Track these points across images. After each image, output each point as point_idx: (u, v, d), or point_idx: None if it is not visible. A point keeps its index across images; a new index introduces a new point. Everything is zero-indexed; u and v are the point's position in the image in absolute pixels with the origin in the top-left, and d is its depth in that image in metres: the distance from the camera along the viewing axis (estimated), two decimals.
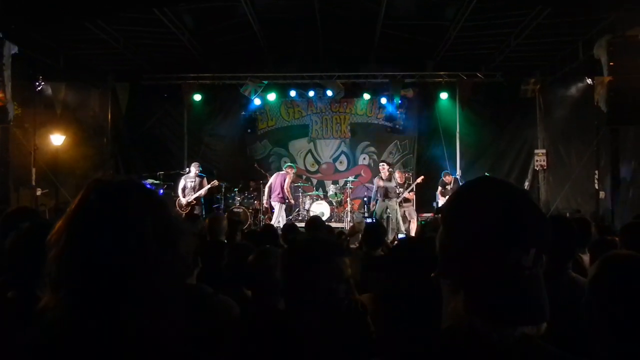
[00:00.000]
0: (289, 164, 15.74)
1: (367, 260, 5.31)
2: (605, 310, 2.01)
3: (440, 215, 1.42)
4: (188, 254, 1.43)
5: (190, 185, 13.92)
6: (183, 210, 13.49)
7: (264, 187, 15.61)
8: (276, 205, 14.66)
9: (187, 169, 16.01)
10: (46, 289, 1.32)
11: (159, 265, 1.32)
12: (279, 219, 14.23)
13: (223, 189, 15.35)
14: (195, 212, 13.28)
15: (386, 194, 14.30)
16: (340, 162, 18.57)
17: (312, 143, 18.60)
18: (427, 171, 15.81)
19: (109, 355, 1.26)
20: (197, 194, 13.80)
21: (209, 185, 14.01)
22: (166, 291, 1.34)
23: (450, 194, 14.27)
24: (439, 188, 15.14)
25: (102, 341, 1.26)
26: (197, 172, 14.02)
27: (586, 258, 4.54)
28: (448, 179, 15.05)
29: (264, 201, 15.22)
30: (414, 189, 15.15)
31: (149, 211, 1.37)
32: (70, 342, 1.26)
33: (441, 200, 14.83)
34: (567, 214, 10.24)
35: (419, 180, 14.83)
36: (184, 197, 13.86)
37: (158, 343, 1.31)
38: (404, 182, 14.98)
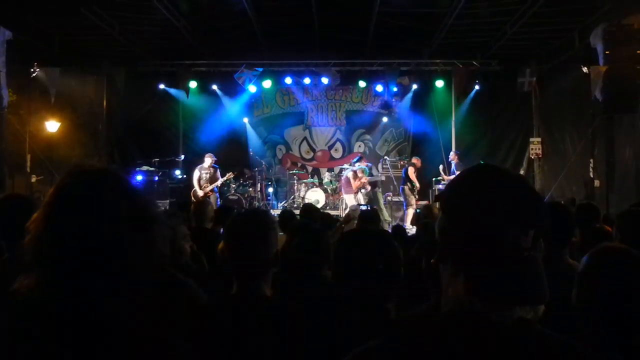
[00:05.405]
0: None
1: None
2: (594, 304, 2.04)
3: (439, 201, 1.43)
4: (163, 240, 1.47)
5: (205, 176, 14.05)
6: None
7: (258, 175, 15.98)
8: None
9: (182, 156, 16.12)
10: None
11: (132, 248, 1.37)
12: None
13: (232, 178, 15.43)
14: (210, 201, 13.40)
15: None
16: (336, 150, 18.59)
17: (307, 130, 18.62)
18: (422, 159, 15.75)
19: (80, 334, 1.29)
20: (213, 185, 13.97)
21: (225, 178, 14.25)
22: (139, 274, 1.39)
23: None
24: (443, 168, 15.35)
25: (74, 321, 1.30)
26: (211, 163, 14.13)
27: None
28: (453, 157, 15.15)
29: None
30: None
31: (124, 196, 1.42)
32: (43, 322, 1.30)
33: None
34: (562, 202, 10.27)
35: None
36: (200, 188, 13.96)
37: (130, 324, 1.35)
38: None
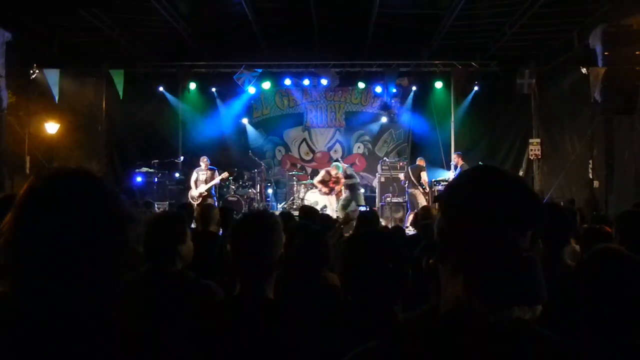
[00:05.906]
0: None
1: None
2: (589, 305, 2.05)
3: (437, 203, 1.44)
4: (138, 240, 1.46)
5: (202, 177, 14.19)
6: (195, 201, 13.69)
7: (258, 176, 15.95)
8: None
9: (182, 157, 16.15)
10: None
11: (105, 249, 1.36)
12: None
13: (231, 179, 15.42)
14: (207, 202, 13.38)
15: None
16: (335, 151, 18.58)
17: (306, 132, 18.61)
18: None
19: (58, 336, 1.27)
20: (208, 185, 14.08)
21: (220, 177, 14.35)
22: (112, 274, 1.38)
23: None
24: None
25: (50, 323, 1.28)
26: (206, 165, 14.25)
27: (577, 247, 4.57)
28: (455, 158, 15.18)
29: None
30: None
31: (97, 196, 1.40)
32: (19, 326, 1.28)
33: None
34: (561, 203, 10.28)
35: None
36: (196, 188, 14.08)
37: (107, 324, 1.33)
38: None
